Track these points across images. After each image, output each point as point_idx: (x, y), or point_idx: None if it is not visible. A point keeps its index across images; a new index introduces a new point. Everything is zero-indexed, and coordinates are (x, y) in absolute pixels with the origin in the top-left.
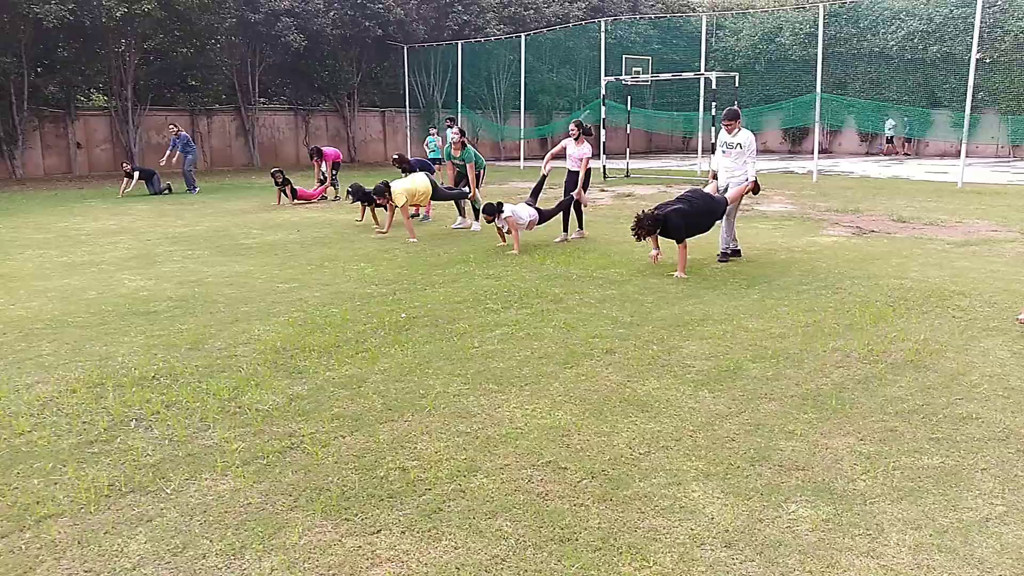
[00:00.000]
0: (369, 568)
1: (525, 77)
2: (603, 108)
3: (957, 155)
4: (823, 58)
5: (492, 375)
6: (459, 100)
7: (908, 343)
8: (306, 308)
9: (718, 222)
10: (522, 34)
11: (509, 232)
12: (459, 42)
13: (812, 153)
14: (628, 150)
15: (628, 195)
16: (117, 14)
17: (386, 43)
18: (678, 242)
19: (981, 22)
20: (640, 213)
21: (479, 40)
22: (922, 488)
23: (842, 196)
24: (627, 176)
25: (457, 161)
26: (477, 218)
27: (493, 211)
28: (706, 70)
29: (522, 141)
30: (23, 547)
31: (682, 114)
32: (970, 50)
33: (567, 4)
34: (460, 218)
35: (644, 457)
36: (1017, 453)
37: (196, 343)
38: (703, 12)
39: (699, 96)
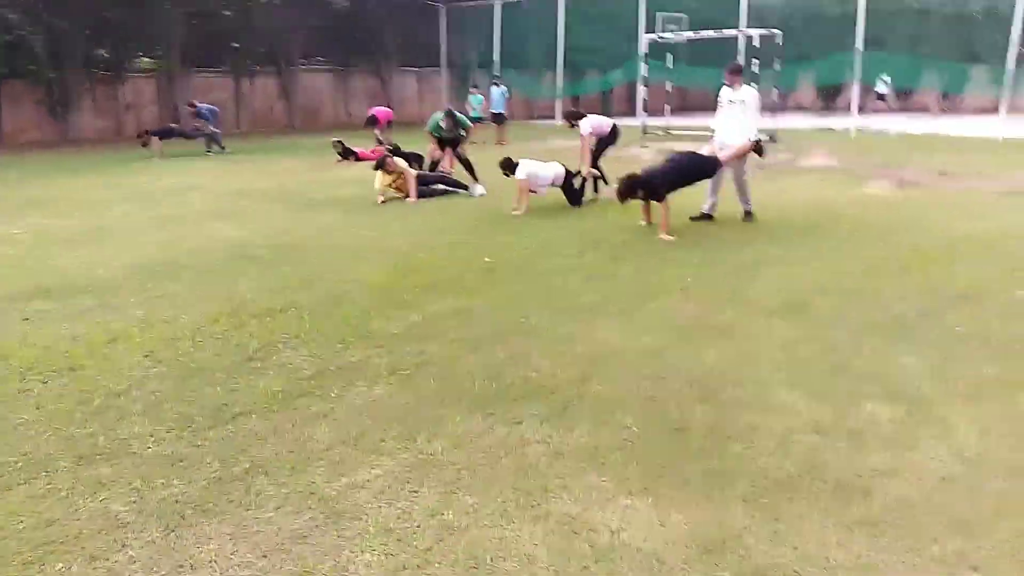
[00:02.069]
0: (522, 447)
1: (561, 37)
2: (644, 66)
3: (995, 111)
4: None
5: (582, 308)
6: (499, 60)
7: (960, 281)
8: (395, 254)
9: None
10: None
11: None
12: (497, 2)
13: (846, 110)
14: (668, 107)
15: (670, 151)
16: None
17: (425, 4)
18: (659, 200)
19: None
20: (622, 177)
21: (516, 0)
22: (981, 394)
23: (882, 152)
24: (667, 132)
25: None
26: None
27: (508, 166)
28: (743, 27)
29: (559, 100)
30: (231, 435)
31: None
32: (1013, 3)
33: None
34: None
35: (732, 371)
36: None
37: (306, 283)
38: None
39: (736, 54)
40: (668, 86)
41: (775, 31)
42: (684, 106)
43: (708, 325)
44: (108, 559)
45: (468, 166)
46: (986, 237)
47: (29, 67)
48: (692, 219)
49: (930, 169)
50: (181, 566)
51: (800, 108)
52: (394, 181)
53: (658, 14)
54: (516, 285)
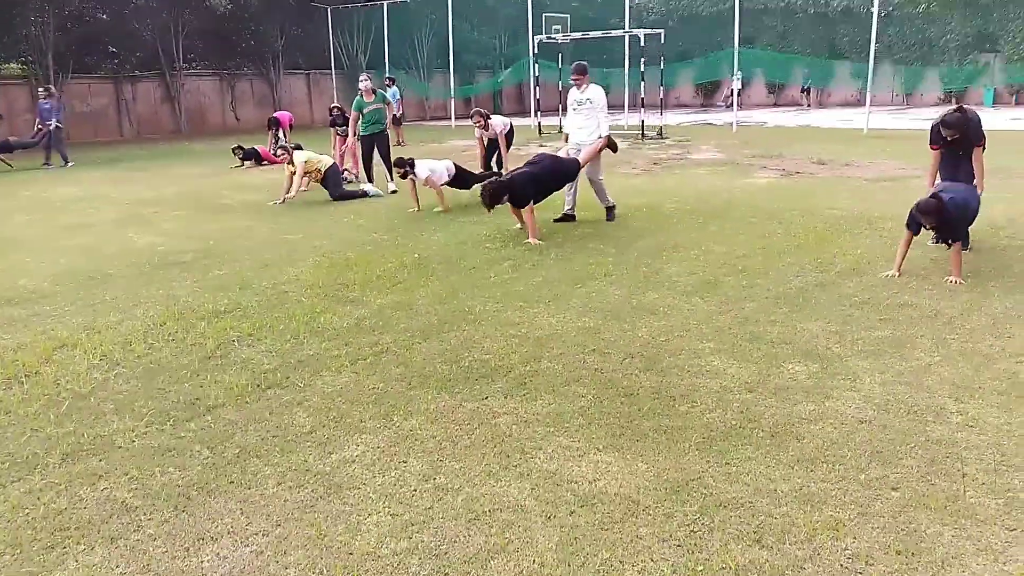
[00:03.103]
0: (492, 418)
1: (449, 37)
2: (535, 67)
3: (857, 104)
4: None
5: (517, 296)
6: (386, 61)
7: (849, 256)
8: (323, 254)
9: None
10: None
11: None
12: (383, 2)
13: (723, 106)
14: (561, 106)
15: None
16: None
17: (310, 5)
18: (521, 207)
19: None
20: (485, 183)
21: (403, 1)
22: (880, 350)
23: (763, 144)
24: (560, 131)
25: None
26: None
27: (404, 165)
28: (624, 27)
29: (452, 100)
30: (211, 425)
31: (607, 70)
32: (867, 3)
33: None
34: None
35: (665, 343)
36: (944, 325)
37: (243, 284)
38: None
39: (617, 53)
40: (560, 86)
41: (658, 31)
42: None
43: (635, 306)
44: (127, 538)
45: (388, 162)
46: (865, 217)
47: None
48: (555, 220)
49: (808, 158)
50: (201, 538)
51: (682, 105)
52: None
53: (543, 15)
54: (450, 278)
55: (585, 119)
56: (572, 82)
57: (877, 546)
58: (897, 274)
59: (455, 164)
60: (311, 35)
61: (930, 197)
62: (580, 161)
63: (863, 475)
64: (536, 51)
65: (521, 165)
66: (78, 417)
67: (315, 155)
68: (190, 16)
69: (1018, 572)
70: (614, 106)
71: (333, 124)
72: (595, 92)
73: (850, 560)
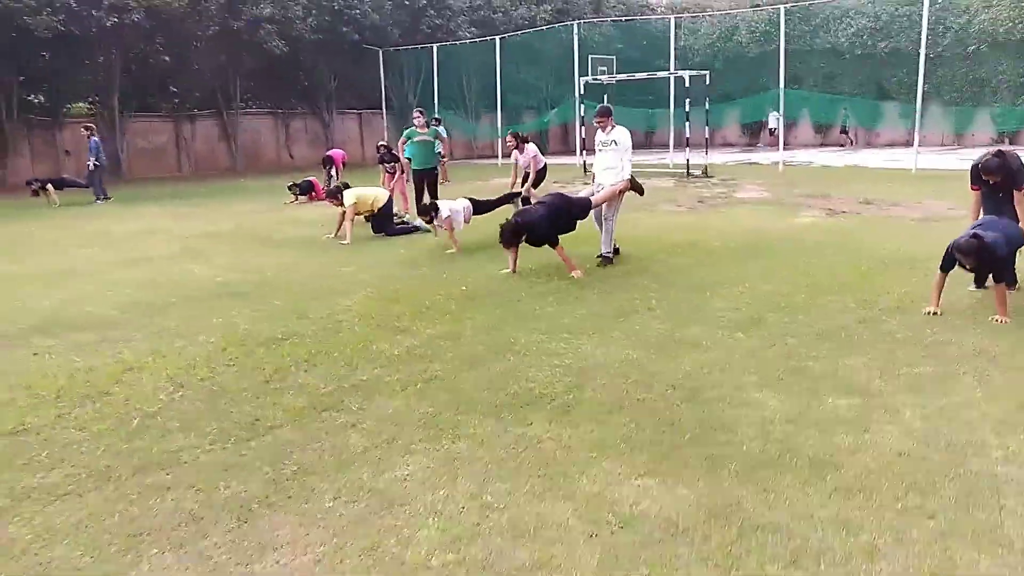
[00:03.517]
0: (538, 443)
1: (497, 79)
2: (581, 107)
3: (906, 144)
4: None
5: (561, 328)
6: (435, 101)
7: (893, 294)
8: (373, 286)
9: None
10: (496, 37)
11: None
12: (433, 45)
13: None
14: (584, 147)
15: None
16: (107, 23)
17: (362, 47)
18: (552, 246)
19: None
20: (504, 222)
21: (453, 43)
22: (921, 386)
23: (809, 183)
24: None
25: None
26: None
27: (428, 211)
28: (669, 68)
29: (500, 139)
30: (271, 444)
31: (652, 111)
32: (915, 45)
33: (534, 7)
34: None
35: (708, 376)
36: (988, 363)
37: (299, 314)
38: (667, 13)
39: (662, 93)
40: None
41: (704, 72)
42: None
43: (679, 339)
44: (195, 545)
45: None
46: (911, 257)
47: None
48: (599, 257)
49: (854, 198)
50: (263, 547)
51: (727, 144)
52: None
53: (590, 56)
54: (496, 310)
55: (611, 160)
56: (596, 124)
57: (911, 570)
58: (937, 310)
59: (470, 200)
60: (363, 76)
61: (970, 237)
62: (593, 202)
63: (900, 504)
64: (583, 92)
65: (533, 205)
66: (147, 434)
67: (365, 191)
68: (247, 57)
69: None
70: (659, 145)
71: (381, 161)
72: (620, 134)
73: None
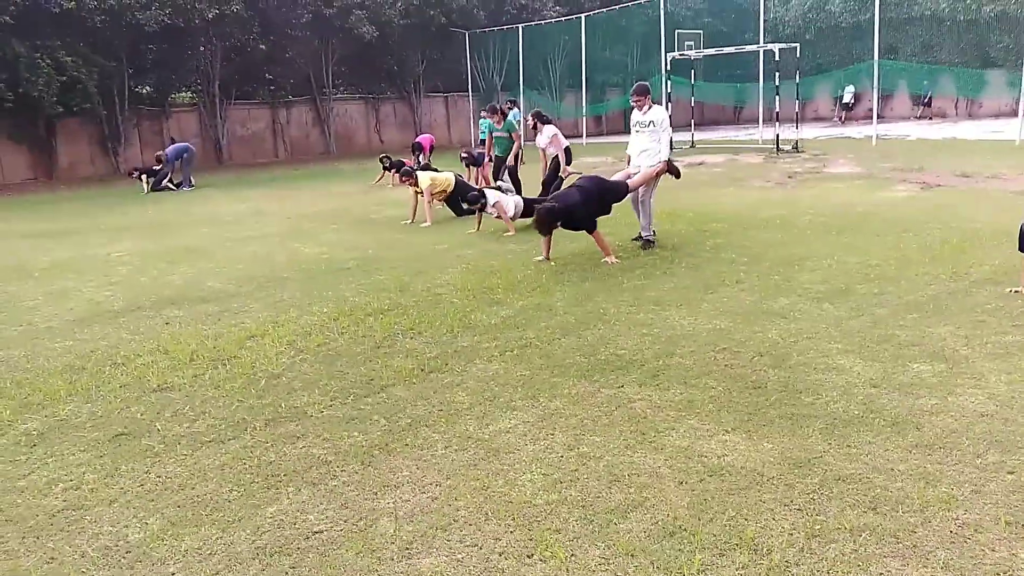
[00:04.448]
0: (628, 403)
1: (581, 57)
2: (668, 83)
3: (1011, 114)
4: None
5: (649, 300)
6: (520, 82)
7: (985, 267)
8: (469, 261)
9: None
10: (582, 15)
11: (498, 218)
12: (519, 25)
13: (863, 119)
14: (693, 122)
15: (700, 163)
16: (209, 15)
17: (449, 30)
18: (589, 232)
19: None
20: (539, 207)
21: (538, 23)
22: (1009, 353)
23: (904, 157)
24: (693, 147)
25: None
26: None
27: (477, 200)
28: (759, 41)
29: (584, 118)
30: (385, 400)
31: (741, 85)
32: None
33: None
34: None
35: (794, 344)
36: None
37: (401, 287)
38: None
39: (751, 67)
40: (692, 101)
41: (794, 44)
42: (702, 121)
43: (766, 310)
44: (326, 484)
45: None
46: (1005, 230)
47: (83, 106)
48: (641, 247)
49: (951, 171)
50: (386, 485)
51: (819, 118)
52: (437, 196)
53: (676, 31)
54: (585, 284)
55: (648, 141)
56: (633, 103)
57: (988, 518)
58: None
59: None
60: (449, 59)
61: None
62: (630, 185)
63: (979, 460)
64: (669, 68)
65: (568, 188)
66: (274, 392)
67: (438, 175)
68: (338, 43)
69: None
70: (748, 120)
71: (387, 170)
72: (658, 113)
73: (960, 527)
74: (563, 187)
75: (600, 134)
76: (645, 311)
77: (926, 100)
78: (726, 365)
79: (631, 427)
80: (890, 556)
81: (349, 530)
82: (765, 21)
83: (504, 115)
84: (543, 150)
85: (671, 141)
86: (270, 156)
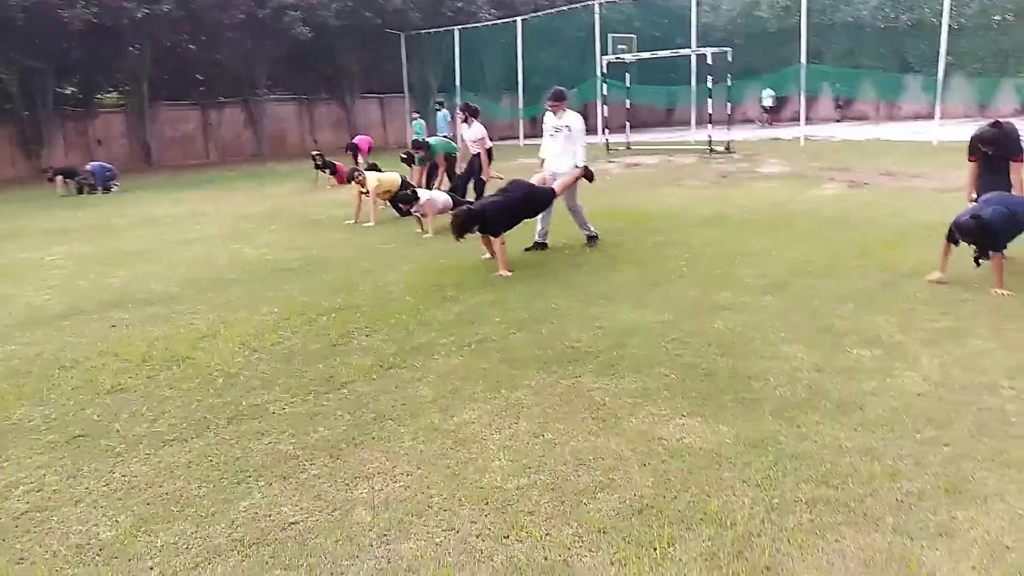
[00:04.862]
0: (587, 392)
1: (518, 60)
2: (604, 86)
3: (929, 117)
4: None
5: (598, 295)
6: (457, 84)
7: (913, 260)
8: (417, 261)
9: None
10: (517, 19)
11: (423, 216)
12: (455, 28)
13: (790, 121)
14: (628, 124)
15: (637, 164)
16: (138, 15)
17: (384, 32)
18: (494, 236)
19: None
20: (458, 211)
21: (474, 26)
22: (940, 339)
23: (831, 157)
24: (628, 148)
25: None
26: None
27: (410, 200)
28: (690, 46)
29: (520, 120)
30: (347, 396)
31: (673, 88)
32: (938, 16)
33: None
34: None
35: (740, 334)
36: (1003, 318)
37: (351, 287)
38: None
39: (683, 70)
40: (627, 104)
41: (725, 49)
42: (635, 123)
43: (711, 303)
44: (297, 477)
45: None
46: (929, 225)
47: (3, 106)
48: (526, 250)
49: (875, 170)
50: (357, 476)
51: (748, 120)
52: (383, 194)
53: (610, 35)
54: (535, 280)
55: (562, 146)
56: (548, 108)
57: (929, 487)
58: (943, 277)
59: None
60: (385, 60)
61: (969, 217)
62: (556, 190)
63: (918, 435)
64: (605, 71)
65: (494, 193)
66: (232, 391)
67: (383, 175)
68: (272, 44)
69: None
70: (680, 122)
71: (317, 167)
72: (573, 119)
73: (904, 496)
74: (485, 191)
75: (536, 136)
76: (595, 306)
77: (841, 103)
78: (677, 354)
79: (592, 414)
80: (843, 524)
81: (325, 520)
82: (697, 26)
83: (475, 114)
84: (469, 143)
85: (585, 147)
86: (201, 158)
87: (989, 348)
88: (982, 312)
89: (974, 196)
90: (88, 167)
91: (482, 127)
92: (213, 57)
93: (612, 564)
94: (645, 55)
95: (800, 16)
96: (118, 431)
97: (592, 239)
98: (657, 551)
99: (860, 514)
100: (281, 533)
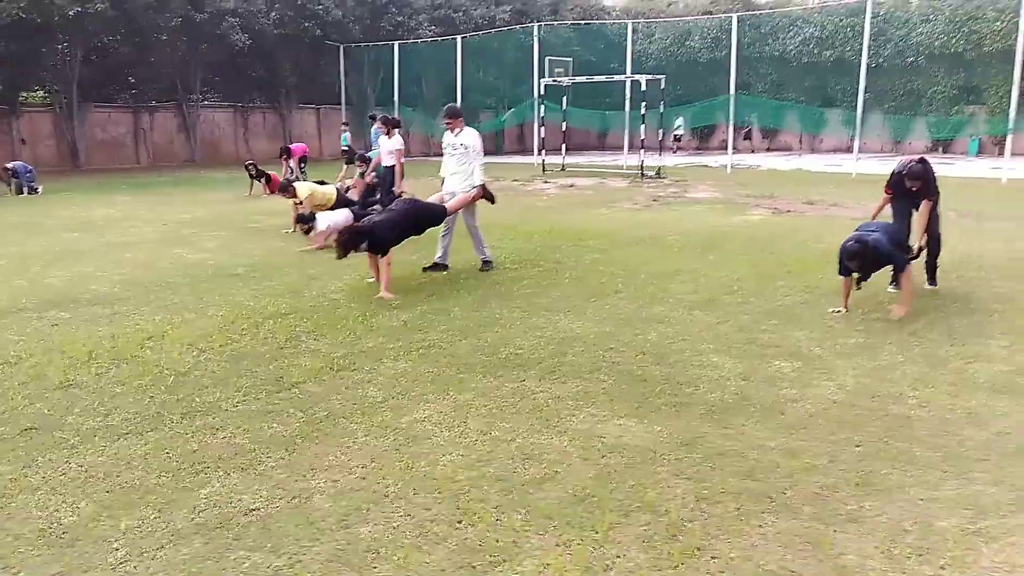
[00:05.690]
0: (531, 395)
1: (457, 77)
2: (542, 107)
3: (848, 150)
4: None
5: (540, 306)
6: (396, 98)
7: (832, 282)
8: (361, 269)
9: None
10: (457, 36)
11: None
12: (394, 42)
13: (718, 149)
14: (564, 146)
15: (571, 185)
16: (70, 12)
17: (324, 43)
18: (382, 255)
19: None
20: (346, 229)
21: (413, 42)
22: (854, 352)
23: (756, 185)
24: (563, 170)
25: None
26: None
27: (308, 220)
28: (625, 72)
29: None
30: (299, 396)
31: (607, 112)
32: (858, 55)
33: (493, 7)
34: None
35: (672, 345)
36: (910, 336)
37: (296, 293)
38: (623, 18)
39: (617, 96)
40: (563, 126)
41: (659, 76)
42: (569, 145)
43: (645, 316)
44: (255, 468)
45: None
46: None
47: None
48: (425, 269)
49: (798, 199)
50: (314, 468)
51: (680, 148)
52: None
53: (548, 58)
54: (478, 291)
55: (459, 164)
56: (444, 125)
57: (842, 481)
58: (845, 310)
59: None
60: (323, 71)
61: (853, 242)
62: (448, 208)
63: (833, 437)
64: (543, 93)
65: (382, 211)
66: (184, 388)
67: (318, 187)
68: (208, 50)
69: (944, 496)
70: (613, 147)
71: (251, 176)
72: (470, 137)
73: (820, 489)
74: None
75: None
76: (537, 316)
77: (746, 133)
78: (614, 362)
79: (536, 415)
80: (766, 512)
81: (285, 507)
82: (632, 53)
83: (396, 126)
84: (385, 154)
85: (482, 166)
86: (132, 162)
87: (897, 361)
88: (893, 330)
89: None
90: (9, 166)
91: (401, 140)
92: (147, 60)
93: (558, 546)
94: (582, 79)
95: (731, 47)
96: (71, 424)
97: (487, 264)
98: (599, 534)
99: (781, 504)
100: (243, 518)
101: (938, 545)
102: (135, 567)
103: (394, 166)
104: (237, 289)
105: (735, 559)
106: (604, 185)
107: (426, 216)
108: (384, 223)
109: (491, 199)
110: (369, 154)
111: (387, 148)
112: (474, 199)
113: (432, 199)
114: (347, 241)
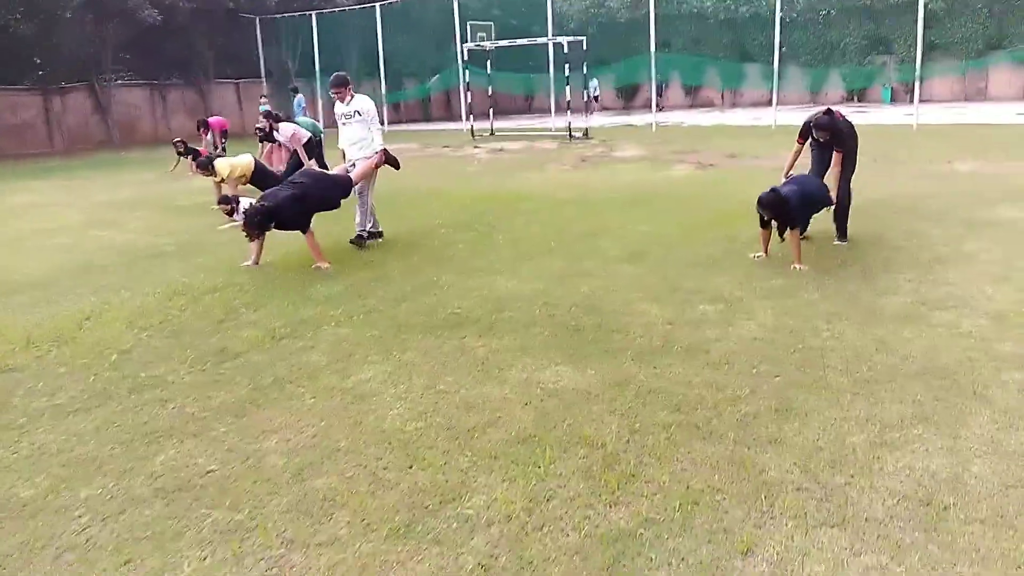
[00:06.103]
0: (471, 350)
1: (378, 45)
2: (466, 73)
3: (768, 104)
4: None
5: (476, 269)
6: (316, 69)
7: (752, 231)
8: (295, 242)
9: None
10: (376, 4)
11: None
12: (311, 12)
13: (644, 108)
14: (492, 111)
15: (501, 149)
16: None
17: (238, 15)
18: (302, 232)
19: None
20: (248, 207)
21: (331, 11)
22: (774, 294)
23: (680, 141)
24: (492, 135)
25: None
26: None
27: (229, 202)
28: (547, 35)
29: (384, 106)
30: (244, 365)
31: (532, 76)
32: (773, 10)
33: None
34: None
35: (603, 297)
36: (824, 275)
37: (229, 268)
38: None
39: (541, 59)
40: (489, 90)
41: (580, 38)
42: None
43: (576, 272)
44: (207, 435)
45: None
46: None
47: None
48: (351, 242)
49: (721, 153)
50: (265, 431)
51: (604, 108)
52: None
53: (469, 23)
54: (414, 257)
55: (358, 133)
56: (333, 96)
57: (762, 408)
58: (765, 255)
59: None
60: (240, 45)
61: (769, 191)
62: (353, 178)
63: (754, 370)
64: (466, 58)
65: (281, 187)
66: (128, 365)
67: (235, 160)
68: (118, 27)
69: (854, 415)
70: (540, 110)
71: (178, 153)
72: (363, 103)
73: (743, 416)
74: None
75: (399, 122)
76: (473, 278)
77: (661, 91)
78: (549, 316)
79: (477, 368)
80: (694, 439)
81: (241, 467)
82: (552, 15)
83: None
84: (284, 147)
85: (380, 130)
86: (44, 146)
87: (814, 299)
88: (808, 273)
89: (792, 175)
90: None
91: (291, 126)
92: (52, 39)
93: (504, 481)
94: (504, 43)
95: (649, 7)
96: (16, 406)
97: (360, 239)
98: (541, 468)
99: (707, 432)
100: (200, 480)
101: (849, 457)
102: (99, 531)
103: (296, 151)
104: (170, 267)
105: (667, 482)
106: (533, 148)
107: (331, 188)
108: (286, 199)
109: (395, 164)
110: (301, 120)
111: (282, 141)
112: (377, 166)
113: (336, 171)
114: (257, 223)
